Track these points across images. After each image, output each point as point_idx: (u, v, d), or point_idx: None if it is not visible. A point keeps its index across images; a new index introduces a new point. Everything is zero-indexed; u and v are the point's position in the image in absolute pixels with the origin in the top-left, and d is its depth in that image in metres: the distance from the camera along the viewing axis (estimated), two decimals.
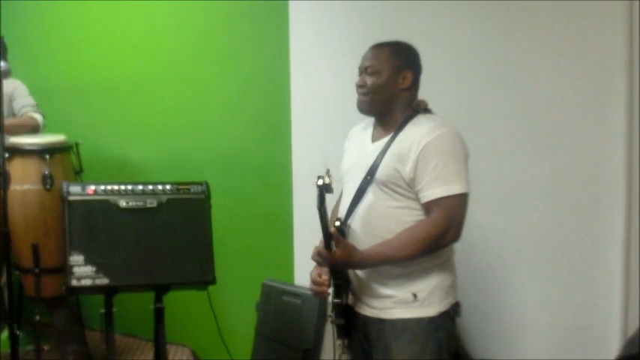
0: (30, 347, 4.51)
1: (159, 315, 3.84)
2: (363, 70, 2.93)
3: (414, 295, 2.82)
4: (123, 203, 3.73)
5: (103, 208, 3.71)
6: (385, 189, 2.82)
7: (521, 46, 3.34)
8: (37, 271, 4.24)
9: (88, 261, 3.62)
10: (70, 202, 3.66)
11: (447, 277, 2.89)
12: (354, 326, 2.95)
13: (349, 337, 2.98)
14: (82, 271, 3.61)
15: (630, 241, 3.09)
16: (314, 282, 3.00)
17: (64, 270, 3.63)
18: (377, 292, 2.87)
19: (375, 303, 2.89)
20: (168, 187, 3.83)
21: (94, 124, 5.13)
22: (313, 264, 3.00)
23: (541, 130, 3.32)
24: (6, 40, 4.67)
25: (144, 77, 4.98)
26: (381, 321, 2.87)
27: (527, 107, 3.35)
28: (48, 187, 4.25)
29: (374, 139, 2.96)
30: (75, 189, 3.70)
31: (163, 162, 4.91)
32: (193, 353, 4.87)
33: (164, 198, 3.80)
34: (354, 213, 2.89)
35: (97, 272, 3.63)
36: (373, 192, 2.85)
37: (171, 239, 3.78)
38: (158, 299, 3.82)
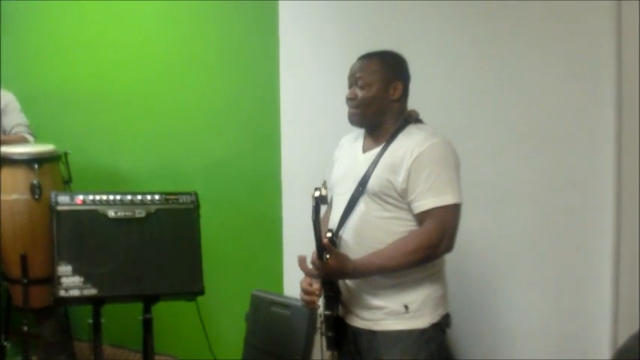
0: (18, 358, 4.49)
1: (147, 326, 3.82)
2: (353, 82, 2.89)
3: (406, 307, 2.78)
4: (111, 213, 3.71)
5: (91, 218, 3.68)
6: (377, 199, 2.78)
7: (510, 49, 3.32)
8: (25, 281, 4.18)
9: (76, 271, 3.59)
10: (59, 212, 3.63)
11: (438, 288, 2.85)
12: (344, 338, 2.91)
13: (339, 348, 2.93)
14: (70, 282, 3.57)
15: (620, 246, 3.06)
16: (304, 291, 2.95)
17: (52, 280, 3.60)
18: (368, 304, 2.83)
19: (366, 314, 2.84)
20: (157, 197, 3.81)
21: (83, 134, 5.08)
22: (302, 274, 2.95)
23: (529, 134, 3.30)
24: None
25: (132, 86, 4.93)
26: (372, 332, 2.82)
27: (516, 110, 3.33)
28: (36, 196, 4.18)
29: (365, 149, 2.92)
30: (63, 199, 3.68)
31: (153, 171, 4.86)
32: None
33: (153, 208, 3.77)
34: (345, 224, 2.85)
35: (85, 283, 3.60)
36: (364, 203, 2.81)
37: (160, 250, 3.76)
38: (147, 310, 3.80)
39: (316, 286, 2.91)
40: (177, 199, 3.84)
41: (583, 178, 3.16)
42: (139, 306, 3.79)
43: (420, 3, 3.56)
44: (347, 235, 2.84)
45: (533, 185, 3.30)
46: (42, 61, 5.30)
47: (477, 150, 3.32)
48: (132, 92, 4.94)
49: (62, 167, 4.48)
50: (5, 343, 3.76)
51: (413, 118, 2.88)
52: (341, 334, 2.90)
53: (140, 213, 3.74)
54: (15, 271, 4.21)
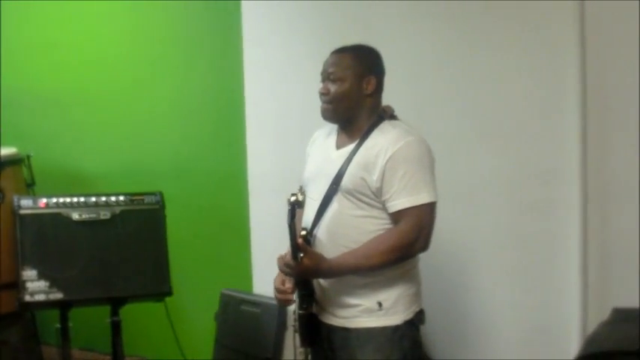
0: None
1: (116, 328, 3.79)
2: (326, 77, 2.82)
3: (379, 304, 2.73)
4: (76, 216, 3.68)
5: (55, 221, 3.66)
6: (351, 197, 2.73)
7: (479, 48, 3.31)
8: None
9: (41, 276, 3.56)
10: (22, 216, 3.60)
11: (412, 285, 2.81)
12: (317, 335, 2.86)
13: (313, 346, 2.88)
14: (36, 286, 3.54)
15: (587, 240, 3.07)
16: (278, 290, 2.90)
17: (17, 285, 3.55)
18: (342, 302, 2.78)
19: (341, 312, 2.79)
20: (121, 198, 3.79)
21: (46, 136, 5.00)
22: (272, 272, 2.91)
23: (495, 131, 3.30)
24: None
25: (96, 87, 4.85)
26: (346, 330, 2.77)
27: (481, 107, 3.33)
28: None
29: (338, 145, 2.85)
30: (26, 202, 3.66)
31: (117, 172, 4.79)
32: None
33: (118, 209, 3.75)
34: (319, 222, 2.79)
35: (50, 287, 3.57)
36: (338, 201, 2.75)
37: (126, 251, 3.74)
38: (114, 312, 3.78)
39: (289, 285, 2.86)
40: (142, 200, 3.82)
41: (550, 173, 3.17)
42: (107, 308, 3.75)
43: (383, 2, 3.54)
44: (321, 233, 2.78)
45: (501, 181, 3.30)
46: (5, 63, 5.16)
47: (444, 147, 3.23)
48: (95, 94, 4.86)
49: (25, 170, 4.41)
50: None
51: (388, 114, 2.82)
52: (315, 331, 2.84)
53: (105, 215, 3.71)
54: None
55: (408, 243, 2.67)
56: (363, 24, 3.57)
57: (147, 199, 3.81)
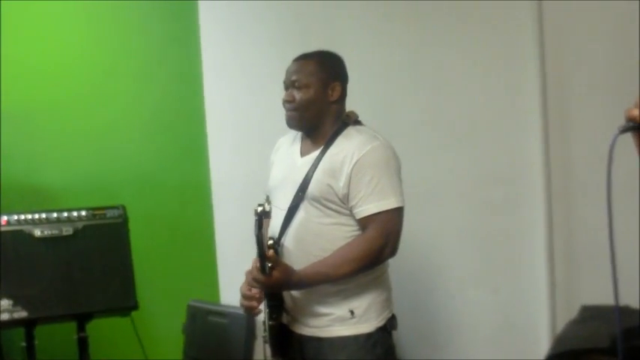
0: None
1: (82, 344, 3.70)
2: (290, 85, 2.77)
3: (351, 312, 2.67)
4: (38, 233, 3.59)
5: (17, 238, 3.57)
6: (317, 205, 2.67)
7: (439, 49, 3.31)
8: None
9: (4, 294, 3.47)
10: None
11: (382, 291, 2.76)
12: (289, 346, 2.79)
13: (285, 357, 2.82)
14: None
15: (553, 237, 3.05)
16: (244, 296, 2.81)
17: None
18: (314, 311, 2.72)
19: (312, 321, 2.73)
20: (83, 213, 3.70)
21: (4, 151, 4.81)
22: (239, 281, 2.82)
23: (457, 130, 3.29)
24: None
25: (54, 100, 4.69)
26: (319, 339, 2.71)
27: (443, 106, 3.33)
28: None
29: (303, 152, 2.79)
30: None
31: (79, 186, 4.65)
32: None
33: (80, 225, 3.67)
34: (286, 231, 2.72)
35: (14, 305, 3.49)
36: (305, 209, 2.69)
37: (90, 266, 3.67)
38: (81, 328, 3.69)
39: (255, 290, 2.77)
40: (104, 214, 3.74)
41: (514, 172, 3.16)
42: (73, 324, 3.67)
43: (345, 3, 3.51)
44: (289, 242, 2.72)
45: (465, 182, 3.29)
46: None
47: (406, 147, 3.23)
48: (53, 106, 4.70)
49: None
50: None
51: (352, 120, 2.78)
52: (286, 342, 2.78)
53: (67, 230, 3.63)
54: None
55: (376, 250, 2.62)
56: (324, 29, 3.55)
57: (109, 213, 3.73)
